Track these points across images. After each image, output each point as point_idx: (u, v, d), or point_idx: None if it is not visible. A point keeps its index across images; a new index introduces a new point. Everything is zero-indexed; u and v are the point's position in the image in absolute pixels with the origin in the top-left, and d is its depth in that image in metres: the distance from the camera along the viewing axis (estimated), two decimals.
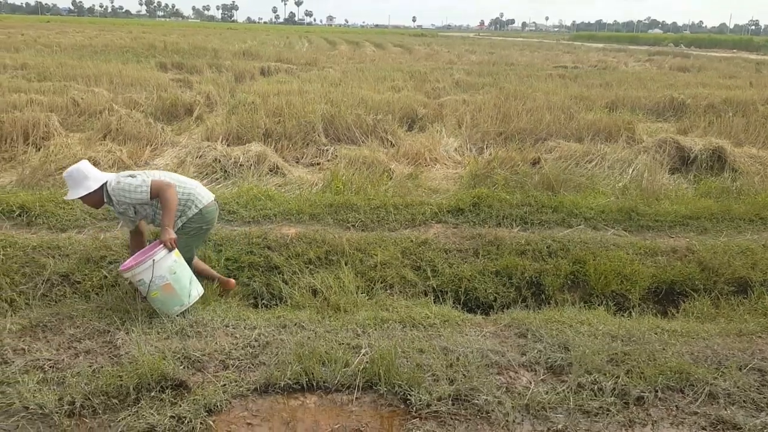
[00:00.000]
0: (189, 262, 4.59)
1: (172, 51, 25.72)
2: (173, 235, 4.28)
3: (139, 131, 9.12)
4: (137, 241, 4.76)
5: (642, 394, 3.53)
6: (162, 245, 4.22)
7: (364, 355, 3.68)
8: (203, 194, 4.71)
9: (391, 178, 7.21)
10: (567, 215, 6.10)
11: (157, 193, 4.33)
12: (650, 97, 13.97)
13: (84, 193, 4.33)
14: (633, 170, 7.64)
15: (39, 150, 8.49)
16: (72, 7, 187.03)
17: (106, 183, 4.39)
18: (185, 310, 4.28)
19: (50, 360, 3.71)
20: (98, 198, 4.43)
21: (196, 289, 4.37)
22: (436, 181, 7.55)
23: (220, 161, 7.66)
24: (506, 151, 7.62)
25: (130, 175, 4.43)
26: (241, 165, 7.58)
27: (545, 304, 5.04)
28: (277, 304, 4.92)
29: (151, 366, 3.51)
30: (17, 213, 5.80)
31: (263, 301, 5.02)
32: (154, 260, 4.15)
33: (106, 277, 5.14)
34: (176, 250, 4.31)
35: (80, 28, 48.96)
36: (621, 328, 4.20)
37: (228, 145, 8.60)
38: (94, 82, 14.33)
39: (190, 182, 4.74)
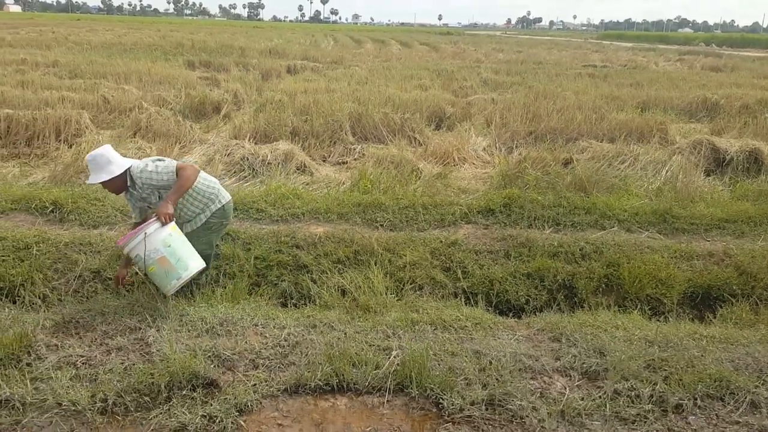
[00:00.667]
0: (208, 258, 4.62)
1: (200, 49, 25.93)
2: (170, 210, 4.20)
3: (168, 129, 9.18)
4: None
5: (681, 401, 3.43)
6: (155, 218, 4.16)
7: (395, 357, 3.63)
8: (224, 192, 4.79)
9: (419, 178, 7.15)
10: (600, 217, 5.98)
11: (180, 169, 4.31)
12: (682, 97, 13.70)
13: (106, 177, 4.32)
14: (666, 172, 7.47)
15: (71, 147, 8.59)
16: (101, 6, 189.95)
17: (129, 168, 4.38)
18: (184, 286, 4.26)
19: (83, 356, 3.72)
20: (120, 183, 4.41)
21: (195, 262, 4.25)
22: (465, 181, 7.47)
23: (248, 159, 7.67)
24: (537, 151, 7.51)
25: (159, 159, 4.45)
26: (269, 163, 7.58)
27: (578, 307, 4.94)
28: (305, 304, 4.90)
29: (183, 364, 3.51)
30: (50, 209, 5.86)
31: (292, 301, 5.00)
32: (145, 233, 4.09)
33: (136, 273, 5.16)
34: (173, 225, 4.24)
35: (109, 26, 49.65)
36: (657, 333, 4.09)
37: (255, 144, 8.61)
38: (123, 80, 14.50)
39: (213, 179, 4.80)
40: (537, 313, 4.84)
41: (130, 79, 14.65)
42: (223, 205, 4.68)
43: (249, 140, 8.74)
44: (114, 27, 49.16)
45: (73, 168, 6.99)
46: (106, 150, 4.42)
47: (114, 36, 34.37)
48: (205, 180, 4.65)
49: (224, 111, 11.40)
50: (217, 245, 4.94)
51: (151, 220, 4.20)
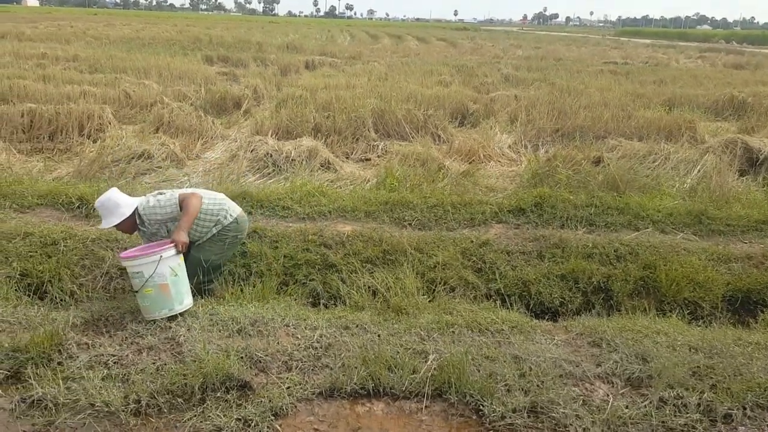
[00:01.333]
0: (216, 269, 4.67)
1: (217, 44, 25.96)
2: (186, 239, 4.24)
3: (191, 124, 9.14)
4: None
5: (729, 411, 3.30)
6: (173, 244, 4.14)
7: (432, 361, 3.53)
8: (233, 206, 4.82)
9: (445, 176, 7.04)
10: (634, 217, 5.84)
11: (184, 199, 4.40)
12: (708, 95, 13.46)
13: (118, 221, 4.38)
14: (698, 171, 7.31)
15: (94, 142, 8.57)
16: (118, 0, 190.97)
17: (137, 207, 4.44)
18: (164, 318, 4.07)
19: (114, 356, 3.66)
20: (131, 223, 4.47)
21: (188, 299, 4.19)
22: (491, 179, 7.35)
23: (271, 156, 7.60)
24: (566, 149, 7.37)
25: (159, 193, 4.52)
26: (292, 160, 7.50)
27: (614, 310, 4.82)
28: (335, 304, 4.81)
29: (216, 365, 3.44)
30: (76, 205, 5.83)
31: (321, 301, 4.91)
32: (161, 256, 4.03)
33: None
34: (181, 256, 4.22)
35: (126, 21, 49.89)
36: (700, 339, 3.96)
37: (278, 140, 8.54)
38: (143, 75, 14.49)
39: (219, 195, 4.83)
40: (572, 316, 4.75)
41: (150, 74, 14.64)
42: (236, 218, 4.74)
43: (271, 136, 8.67)
44: (131, 22, 49.39)
45: (97, 163, 6.96)
46: (113, 194, 4.46)
47: (132, 31, 34.49)
48: (212, 198, 4.70)
49: (245, 106, 11.34)
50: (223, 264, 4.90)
51: (168, 245, 4.13)
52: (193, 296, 4.30)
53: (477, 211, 5.86)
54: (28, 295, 4.67)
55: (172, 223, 4.45)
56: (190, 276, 4.37)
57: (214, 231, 4.68)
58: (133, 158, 7.31)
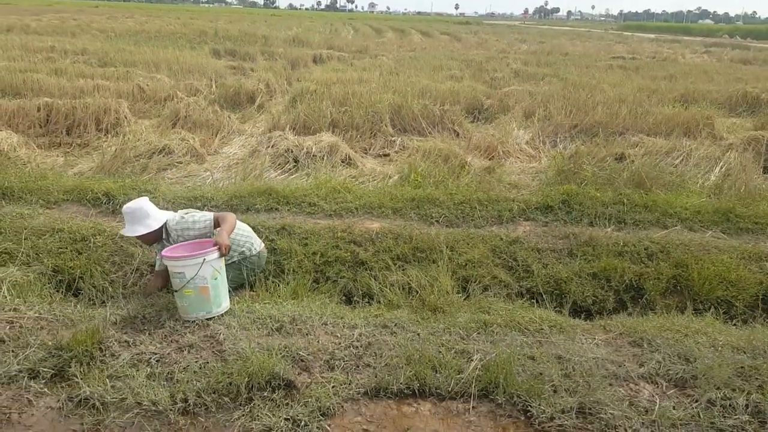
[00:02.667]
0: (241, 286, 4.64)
1: (224, 37, 25.87)
2: (228, 242, 4.19)
3: (208, 119, 9.11)
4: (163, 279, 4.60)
5: None
6: (216, 247, 4.10)
7: (478, 361, 3.52)
8: (258, 240, 4.87)
9: (467, 172, 7.01)
10: (661, 215, 5.82)
11: (221, 220, 4.37)
12: (720, 90, 13.42)
13: (144, 231, 4.35)
14: (720, 168, 7.28)
15: (111, 136, 8.55)
16: None
17: (167, 222, 4.43)
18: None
19: (156, 354, 3.64)
20: (156, 236, 4.45)
21: (226, 302, 4.20)
22: (513, 176, 7.33)
23: (291, 151, 7.58)
24: (587, 146, 7.34)
25: (188, 212, 4.53)
26: (314, 156, 7.47)
27: (646, 309, 4.80)
28: (367, 302, 4.80)
29: (261, 364, 3.42)
30: (102, 201, 5.80)
31: (353, 298, 4.90)
32: (205, 259, 4.01)
33: None
34: (223, 259, 4.20)
35: (129, 13, 49.72)
36: (742, 339, 3.95)
37: (296, 135, 8.51)
38: (154, 69, 14.44)
39: (247, 227, 4.87)
40: (605, 315, 4.74)
41: (160, 68, 14.59)
42: (258, 253, 4.79)
43: (289, 131, 8.63)
44: (133, 14, 49.19)
45: (119, 159, 6.93)
46: (145, 203, 4.44)
47: (136, 23, 34.37)
48: (240, 230, 4.69)
49: (259, 101, 11.30)
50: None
51: (211, 248, 4.10)
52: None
53: (504, 208, 5.83)
54: (60, 292, 4.66)
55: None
56: None
57: (236, 259, 4.70)
58: (154, 153, 7.28)
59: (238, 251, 4.68)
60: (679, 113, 9.72)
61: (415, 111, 9.58)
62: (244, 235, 4.75)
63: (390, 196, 6.04)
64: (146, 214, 4.36)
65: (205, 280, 4.02)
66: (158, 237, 4.47)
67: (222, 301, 4.13)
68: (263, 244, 4.92)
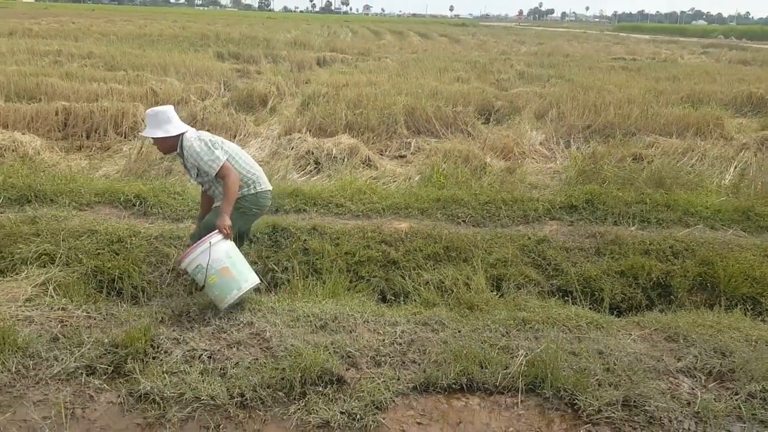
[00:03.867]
0: (234, 239, 4.47)
1: (225, 40, 25.89)
2: (228, 222, 4.23)
3: (224, 122, 9.19)
4: (207, 199, 4.79)
5: None
6: (216, 231, 4.17)
7: (523, 357, 3.62)
8: (264, 180, 4.73)
9: (487, 173, 7.12)
10: (683, 214, 5.94)
11: (223, 175, 4.33)
12: (725, 91, 13.57)
13: (162, 135, 4.35)
14: (735, 168, 7.41)
15: (130, 139, 8.62)
16: None
17: (184, 134, 4.40)
18: (239, 301, 4.20)
19: (206, 350, 3.73)
20: (171, 144, 4.44)
21: (253, 276, 4.26)
22: (531, 176, 7.44)
23: (312, 153, 7.67)
24: (604, 147, 7.45)
25: (210, 142, 4.41)
26: (334, 157, 7.57)
27: (674, 306, 4.91)
28: (400, 300, 4.89)
29: (313, 360, 3.51)
30: (133, 203, 5.89)
31: (387, 297, 4.99)
32: (210, 242, 4.10)
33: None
34: (230, 240, 4.26)
35: (126, 17, 49.60)
36: None
37: (313, 137, 8.60)
38: (162, 72, 14.49)
39: (257, 166, 4.77)
40: (633, 312, 4.84)
41: (168, 71, 14.64)
42: (257, 193, 4.62)
43: (304, 133, 8.72)
44: (131, 18, 49.10)
45: (146, 161, 7.01)
46: (169, 109, 4.46)
47: (135, 27, 34.34)
48: (246, 164, 4.61)
49: (271, 104, 11.39)
50: (246, 235, 4.88)
51: (214, 232, 4.19)
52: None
53: (529, 208, 5.94)
54: (100, 292, 4.74)
55: (205, 176, 4.44)
56: (198, 238, 4.36)
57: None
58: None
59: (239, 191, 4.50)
60: (690, 114, 9.86)
61: (429, 113, 9.69)
62: (249, 170, 4.60)
63: (415, 197, 6.14)
64: (167, 120, 4.37)
65: (222, 261, 4.10)
66: (173, 147, 4.46)
67: (247, 275, 4.21)
68: (268, 188, 4.75)
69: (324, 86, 12.12)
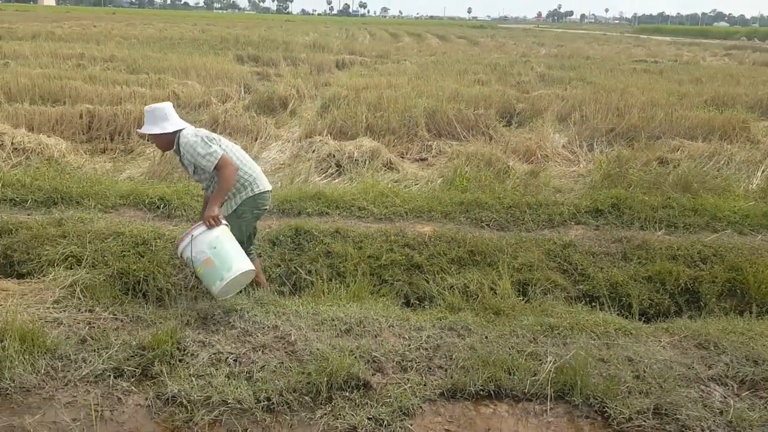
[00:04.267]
0: (241, 244, 4.46)
1: (244, 43, 26.06)
2: (215, 212, 4.22)
3: (245, 125, 9.22)
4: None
5: None
6: (200, 222, 4.20)
7: (551, 363, 3.57)
8: (263, 181, 4.64)
9: (510, 176, 7.07)
10: (711, 219, 5.85)
11: (220, 168, 4.28)
12: (749, 94, 13.36)
13: (158, 131, 4.33)
14: (762, 172, 7.29)
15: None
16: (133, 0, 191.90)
17: (181, 131, 4.38)
18: (229, 290, 4.23)
19: (232, 354, 3.73)
20: (169, 141, 4.42)
21: (240, 264, 4.21)
22: (554, 179, 7.37)
23: (334, 156, 7.67)
24: (629, 150, 7.37)
25: (207, 138, 4.38)
26: (356, 160, 7.56)
27: (702, 312, 4.83)
28: (423, 305, 4.87)
29: (339, 364, 3.50)
30: (158, 205, 5.92)
31: (411, 301, 4.97)
32: (192, 235, 4.13)
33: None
34: (222, 227, 4.23)
35: (146, 20, 50.17)
36: None
37: (333, 140, 8.60)
38: (183, 75, 14.60)
39: (255, 166, 4.68)
40: (661, 318, 4.77)
41: (189, 74, 14.74)
42: (254, 195, 4.54)
43: (325, 136, 8.72)
44: (151, 21, 49.64)
45: (170, 164, 7.05)
46: (167, 106, 4.45)
47: (155, 30, 34.70)
48: (244, 165, 4.54)
49: (291, 106, 11.42)
50: (251, 234, 4.80)
51: (198, 223, 4.22)
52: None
53: (554, 212, 5.89)
54: (126, 294, 4.77)
55: (202, 173, 4.41)
56: None
57: (233, 205, 4.53)
58: None
59: (234, 186, 4.46)
60: (715, 117, 9.72)
61: (450, 115, 9.65)
62: (246, 171, 4.52)
63: (438, 200, 6.11)
64: (164, 117, 4.35)
65: (204, 253, 4.11)
66: (171, 144, 4.43)
67: (232, 264, 4.17)
68: (270, 188, 4.68)
69: (344, 89, 12.13)
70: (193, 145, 4.30)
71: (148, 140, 4.80)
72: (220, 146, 4.41)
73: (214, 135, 4.56)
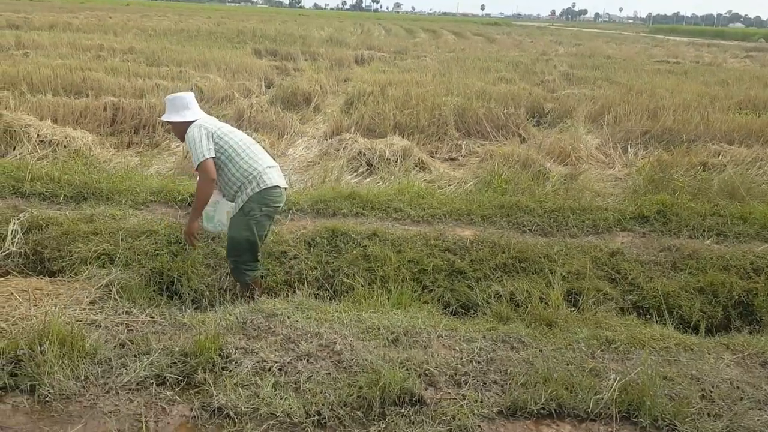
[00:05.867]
0: (253, 246, 4.44)
1: (261, 37, 25.91)
2: (192, 229, 4.50)
3: (271, 120, 9.06)
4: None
5: None
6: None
7: (615, 381, 3.38)
8: (272, 176, 4.44)
9: (548, 179, 6.87)
10: (761, 228, 5.63)
11: (200, 172, 4.27)
12: None
13: (178, 119, 4.39)
14: None
15: None
16: None
17: (194, 121, 4.37)
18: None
19: (276, 362, 3.56)
20: (184, 131, 4.39)
21: (213, 224, 4.76)
22: (591, 183, 7.16)
23: (364, 154, 7.49)
24: (670, 154, 7.16)
25: (208, 132, 4.29)
26: (387, 159, 7.38)
27: (760, 327, 4.63)
28: (468, 313, 4.70)
29: (392, 378, 3.32)
30: (189, 202, 5.77)
31: (453, 308, 4.79)
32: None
33: (287, 272, 5.03)
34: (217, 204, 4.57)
35: (161, 12, 50.10)
36: None
37: (362, 138, 8.42)
38: (203, 68, 14.46)
39: (263, 160, 4.48)
40: (715, 332, 4.57)
41: (209, 67, 14.60)
42: (261, 191, 4.35)
43: (355, 134, 8.54)
44: (166, 13, 49.54)
45: None
46: (188, 95, 4.50)
47: (171, 22, 34.62)
48: (251, 158, 4.40)
49: (314, 102, 11.25)
50: (264, 236, 4.60)
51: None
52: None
53: (598, 217, 5.69)
54: (161, 294, 4.63)
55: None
56: (228, 253, 4.57)
57: (239, 203, 4.40)
58: None
59: (239, 180, 4.37)
60: (753, 121, 9.47)
61: (479, 114, 9.45)
62: (250, 164, 4.37)
63: (477, 203, 5.93)
64: (185, 105, 4.41)
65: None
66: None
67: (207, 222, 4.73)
68: (280, 184, 4.47)
69: (368, 85, 11.94)
70: (192, 137, 4.27)
71: (168, 130, 4.84)
72: (219, 143, 4.32)
73: (222, 127, 4.49)
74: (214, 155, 4.28)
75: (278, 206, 4.55)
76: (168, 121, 4.55)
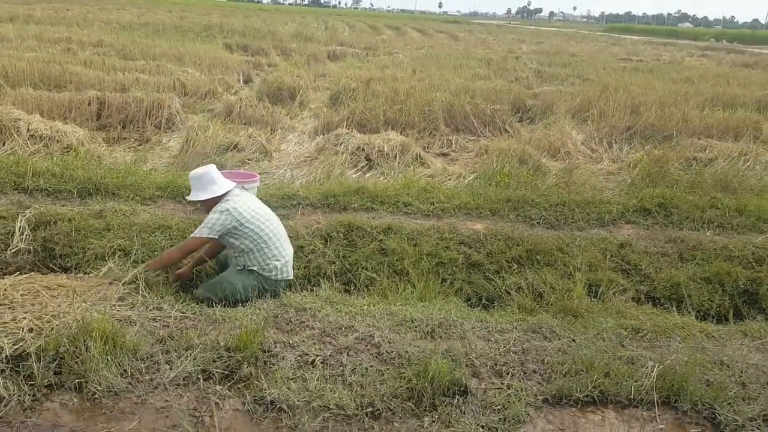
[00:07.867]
0: (234, 300, 4.39)
1: (230, 32, 25.53)
2: (184, 275, 4.60)
3: (261, 115, 8.98)
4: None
5: None
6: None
7: (655, 368, 3.49)
8: (289, 269, 4.59)
9: (544, 173, 7.01)
10: (756, 220, 5.87)
11: (187, 239, 4.44)
12: (748, 95, 13.58)
13: (207, 197, 4.40)
14: None
15: (165, 131, 8.40)
16: None
17: (228, 193, 4.45)
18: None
19: (318, 356, 3.57)
20: (215, 203, 4.42)
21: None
22: (585, 177, 7.33)
23: (363, 149, 7.50)
24: (662, 149, 7.38)
25: (231, 219, 4.31)
26: (386, 155, 7.41)
27: (762, 314, 4.84)
28: (488, 305, 4.77)
29: (440, 369, 3.36)
30: None
31: (472, 300, 4.86)
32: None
33: (305, 267, 5.01)
34: None
35: (119, 5, 48.80)
36: None
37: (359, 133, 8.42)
38: (178, 62, 14.20)
39: (288, 249, 4.61)
40: (723, 320, 4.75)
41: (184, 62, 14.36)
42: (278, 281, 4.53)
43: (351, 130, 8.54)
44: (124, 6, 48.29)
45: (194, 155, 6.81)
46: (212, 169, 4.49)
47: (133, 16, 33.80)
48: (276, 248, 4.47)
49: (299, 98, 11.19)
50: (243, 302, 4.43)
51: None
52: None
53: (603, 210, 5.84)
54: (179, 291, 4.56)
55: (225, 241, 4.45)
56: (206, 288, 4.47)
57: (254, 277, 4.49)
58: (227, 149, 7.17)
59: (258, 261, 4.46)
60: (730, 117, 9.83)
61: (467, 109, 9.55)
62: (274, 256, 4.47)
63: (484, 197, 6.01)
64: (212, 180, 4.42)
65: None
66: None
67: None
68: (290, 276, 4.62)
69: (352, 81, 11.92)
70: (210, 216, 4.31)
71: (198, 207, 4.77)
72: (255, 227, 4.35)
73: (255, 212, 4.44)
74: (214, 237, 4.32)
75: (278, 294, 4.53)
76: (197, 201, 4.52)
